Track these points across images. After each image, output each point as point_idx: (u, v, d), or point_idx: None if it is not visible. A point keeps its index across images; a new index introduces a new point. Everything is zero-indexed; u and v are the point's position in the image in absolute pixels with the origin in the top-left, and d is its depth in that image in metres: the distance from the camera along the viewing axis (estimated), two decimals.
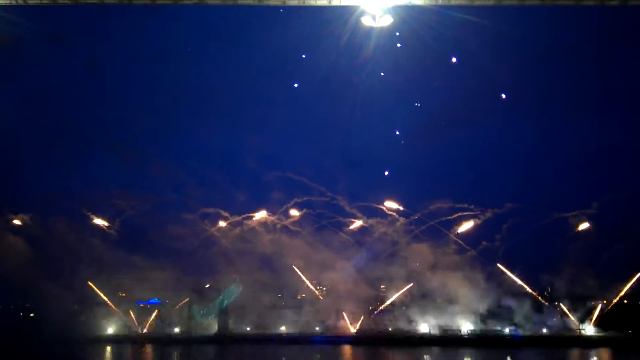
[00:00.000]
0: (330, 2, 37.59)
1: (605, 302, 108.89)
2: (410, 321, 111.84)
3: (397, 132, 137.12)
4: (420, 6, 37.64)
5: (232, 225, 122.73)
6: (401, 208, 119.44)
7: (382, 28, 38.82)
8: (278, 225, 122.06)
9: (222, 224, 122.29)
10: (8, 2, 36.84)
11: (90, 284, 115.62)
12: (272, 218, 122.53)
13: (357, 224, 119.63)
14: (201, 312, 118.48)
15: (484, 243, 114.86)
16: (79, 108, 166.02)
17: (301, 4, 38.10)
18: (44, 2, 36.90)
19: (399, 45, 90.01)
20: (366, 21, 37.97)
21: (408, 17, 42.29)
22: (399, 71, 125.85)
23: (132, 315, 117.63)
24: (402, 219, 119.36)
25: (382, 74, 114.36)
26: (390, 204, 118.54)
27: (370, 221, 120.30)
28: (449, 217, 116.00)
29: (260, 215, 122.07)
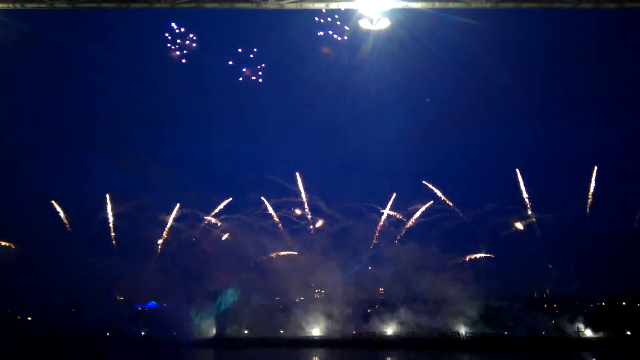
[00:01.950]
0: (327, 5, 37.67)
1: (604, 304, 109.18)
2: (402, 323, 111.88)
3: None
4: (418, 9, 37.73)
5: (209, 226, 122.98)
6: (381, 210, 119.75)
7: (379, 31, 38.96)
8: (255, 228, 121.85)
9: (202, 224, 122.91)
10: (6, 6, 36.88)
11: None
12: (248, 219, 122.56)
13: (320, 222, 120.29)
14: (199, 315, 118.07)
15: (466, 243, 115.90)
16: (51, 111, 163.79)
17: (299, 7, 38.12)
18: (41, 6, 36.85)
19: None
20: (364, 24, 38.11)
21: (406, 20, 42.40)
22: (396, 74, 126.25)
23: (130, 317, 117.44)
24: (382, 220, 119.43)
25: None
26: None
27: (349, 222, 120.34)
28: (427, 219, 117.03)
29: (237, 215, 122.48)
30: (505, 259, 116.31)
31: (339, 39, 59.27)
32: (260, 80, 78.15)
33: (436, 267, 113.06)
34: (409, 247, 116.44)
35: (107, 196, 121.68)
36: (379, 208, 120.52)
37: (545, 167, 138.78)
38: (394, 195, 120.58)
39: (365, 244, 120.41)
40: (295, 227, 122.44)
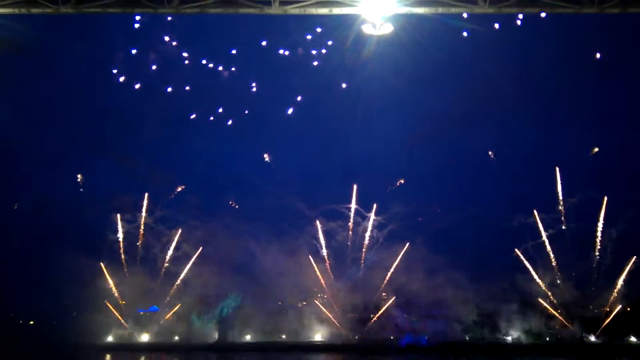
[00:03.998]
0: (331, 10, 37.96)
1: (607, 309, 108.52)
2: (400, 329, 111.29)
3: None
4: (421, 14, 37.96)
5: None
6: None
7: (382, 36, 39.16)
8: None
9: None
10: (11, 11, 37.17)
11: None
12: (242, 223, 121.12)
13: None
14: (201, 319, 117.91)
15: (452, 245, 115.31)
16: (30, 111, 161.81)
17: (302, 12, 38.39)
18: (46, 11, 37.16)
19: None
20: (367, 29, 38.37)
21: (409, 25, 42.60)
22: (399, 79, 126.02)
23: (132, 323, 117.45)
24: (365, 223, 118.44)
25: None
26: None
27: (332, 225, 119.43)
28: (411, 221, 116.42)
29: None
30: (504, 260, 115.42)
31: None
32: (246, 111, 77.94)
33: (433, 269, 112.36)
34: (406, 250, 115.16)
35: (79, 176, 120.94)
36: (369, 211, 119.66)
37: (544, 167, 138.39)
38: (385, 195, 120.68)
39: (343, 247, 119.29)
40: (275, 231, 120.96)
